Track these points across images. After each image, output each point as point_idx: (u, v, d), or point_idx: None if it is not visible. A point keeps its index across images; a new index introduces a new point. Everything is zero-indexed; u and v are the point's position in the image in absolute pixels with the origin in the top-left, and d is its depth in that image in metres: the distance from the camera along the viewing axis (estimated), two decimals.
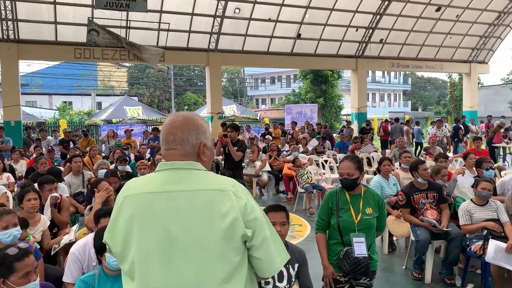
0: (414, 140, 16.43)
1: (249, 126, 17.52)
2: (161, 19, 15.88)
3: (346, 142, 14.29)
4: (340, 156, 12.39)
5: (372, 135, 15.92)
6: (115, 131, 14.44)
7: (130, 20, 15.50)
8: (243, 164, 10.74)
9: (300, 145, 12.61)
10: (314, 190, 8.50)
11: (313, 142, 12.72)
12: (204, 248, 1.53)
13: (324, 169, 10.83)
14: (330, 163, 11.31)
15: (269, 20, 17.32)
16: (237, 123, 21.68)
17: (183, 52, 16.93)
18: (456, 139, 15.75)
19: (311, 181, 8.81)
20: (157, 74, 46.45)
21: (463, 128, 16.39)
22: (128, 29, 15.71)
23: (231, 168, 6.92)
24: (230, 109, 23.34)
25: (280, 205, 3.14)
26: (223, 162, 7.62)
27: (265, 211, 3.05)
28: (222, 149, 7.00)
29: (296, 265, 3.11)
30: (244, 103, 49.73)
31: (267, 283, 2.97)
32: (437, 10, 19.29)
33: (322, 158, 11.56)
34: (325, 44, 19.03)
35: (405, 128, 15.80)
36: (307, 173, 8.96)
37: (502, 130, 14.98)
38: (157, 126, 14.94)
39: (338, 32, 18.83)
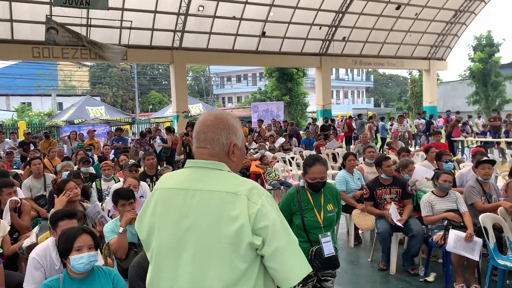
0: (378, 135, 16.86)
1: None
2: (123, 17, 15.55)
3: (312, 138, 14.48)
4: (306, 152, 12.55)
5: (335, 132, 16.19)
6: (78, 132, 14.04)
7: (90, 18, 15.10)
8: None
9: (267, 143, 12.69)
10: (282, 186, 8.57)
11: (280, 140, 12.81)
12: (209, 251, 1.53)
13: (291, 166, 10.93)
14: (296, 159, 11.42)
15: (234, 18, 17.30)
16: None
17: (146, 50, 16.66)
18: (428, 133, 16.26)
19: (278, 178, 8.88)
20: (120, 73, 45.50)
21: (435, 123, 17.00)
22: (88, 27, 15.30)
23: None
24: (196, 108, 23.16)
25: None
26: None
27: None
28: (183, 148, 6.96)
29: None
30: (210, 102, 49.47)
31: None
32: (397, 8, 19.83)
33: (289, 155, 11.66)
34: (290, 42, 19.20)
35: (368, 124, 16.18)
36: (274, 170, 9.02)
37: (460, 124, 15.59)
38: (121, 126, 14.64)
39: (302, 30, 19.03)
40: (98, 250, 3.39)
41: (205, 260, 1.53)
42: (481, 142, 14.28)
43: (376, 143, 15.70)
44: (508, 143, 13.17)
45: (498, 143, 13.59)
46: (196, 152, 1.69)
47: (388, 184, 5.15)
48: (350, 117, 18.51)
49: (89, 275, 2.75)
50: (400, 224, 4.79)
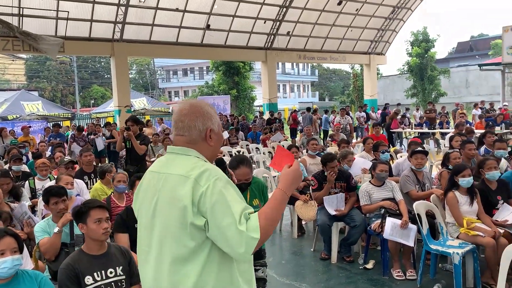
0: (322, 128, 17.24)
1: (161, 119, 17.06)
2: (58, 7, 14.75)
3: (259, 132, 14.55)
4: (253, 146, 12.59)
5: (281, 125, 16.36)
6: (11, 128, 13.21)
7: (23, 8, 14.19)
8: (153, 159, 10.53)
9: None
10: None
11: (224, 134, 12.73)
12: (165, 229, 1.70)
13: None
14: (243, 153, 11.42)
15: (177, 10, 16.94)
16: (148, 116, 21.09)
17: (85, 42, 15.94)
18: (383, 125, 16.77)
19: None
20: (59, 67, 43.38)
21: (375, 115, 17.54)
22: (21, 17, 14.37)
23: (136, 163, 6.68)
24: (140, 102, 22.54)
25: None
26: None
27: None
28: (123, 143, 6.72)
29: None
30: (155, 96, 48.37)
31: None
32: (339, 3, 20.31)
33: (235, 148, 11.63)
34: (235, 35, 19.12)
35: (313, 117, 16.52)
36: None
37: (398, 116, 16.27)
38: (59, 122, 13.93)
39: (247, 23, 19.01)
40: (26, 253, 3.19)
41: (163, 237, 1.70)
42: (418, 133, 14.98)
43: (319, 136, 16.08)
44: (442, 134, 13.92)
45: (434, 134, 14.34)
46: (174, 140, 1.83)
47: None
48: (295, 110, 18.79)
49: (13, 280, 2.58)
50: (336, 213, 4.93)
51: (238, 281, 1.71)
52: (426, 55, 30.61)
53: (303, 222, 6.35)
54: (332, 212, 5.01)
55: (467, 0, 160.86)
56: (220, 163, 5.13)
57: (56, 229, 3.46)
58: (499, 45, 25.18)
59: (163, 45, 17.64)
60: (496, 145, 6.07)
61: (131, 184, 4.09)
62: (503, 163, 5.75)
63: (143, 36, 17.09)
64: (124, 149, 7.00)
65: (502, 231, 4.31)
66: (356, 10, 21.24)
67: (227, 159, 9.94)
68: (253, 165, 10.70)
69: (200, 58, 21.48)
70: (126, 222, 3.83)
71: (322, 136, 16.83)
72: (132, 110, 17.99)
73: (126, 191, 4.69)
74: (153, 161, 10.22)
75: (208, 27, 18.08)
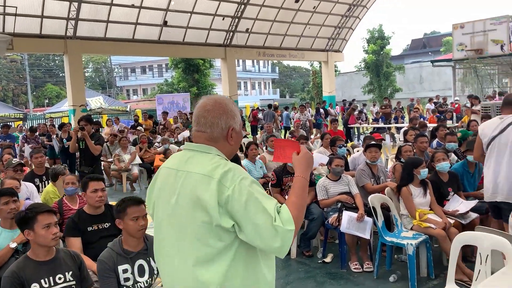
0: (283, 124, 17.39)
1: (117, 118, 16.64)
2: (5, 2, 14.04)
3: None
4: None
5: (242, 122, 16.36)
6: None
7: None
8: (110, 160, 10.25)
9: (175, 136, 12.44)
10: None
11: (185, 133, 12.59)
12: (186, 227, 1.66)
13: None
14: None
15: (133, 6, 16.53)
16: (106, 115, 20.51)
17: (36, 39, 15.27)
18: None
19: None
20: (9, 65, 41.41)
21: (333, 111, 17.84)
22: None
23: (90, 163, 6.47)
24: (97, 101, 21.93)
25: (139, 198, 3.03)
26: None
27: (125, 206, 2.92)
28: (77, 144, 6.49)
29: None
30: (113, 95, 47.20)
31: (126, 279, 2.84)
32: (296, 1, 20.46)
33: None
34: (193, 32, 18.90)
35: (275, 114, 16.62)
36: None
37: (356, 112, 16.65)
38: (8, 123, 13.29)
39: (205, 20, 18.83)
40: None
41: (183, 235, 1.67)
42: (374, 128, 15.37)
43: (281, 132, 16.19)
44: (397, 128, 14.34)
45: (389, 128, 14.76)
46: (194, 136, 1.79)
47: (293, 173, 5.26)
48: (256, 108, 18.82)
49: None
50: None
51: (265, 276, 1.71)
52: (382, 52, 31.47)
53: None
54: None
55: None
56: (235, 160, 5.06)
57: (12, 245, 3.35)
58: (450, 42, 26.23)
59: (119, 42, 17.18)
60: (447, 138, 6.30)
61: (84, 186, 3.94)
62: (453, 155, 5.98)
63: (98, 33, 16.58)
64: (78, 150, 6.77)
65: (452, 221, 4.49)
66: (313, 8, 21.48)
67: None
68: None
69: (158, 55, 21.05)
70: (78, 225, 3.69)
71: (284, 132, 16.98)
72: (88, 109, 17.45)
73: (79, 193, 4.53)
74: (110, 161, 10.09)
75: (165, 23, 17.77)
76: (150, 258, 2.97)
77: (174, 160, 1.83)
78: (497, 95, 17.83)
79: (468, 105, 14.02)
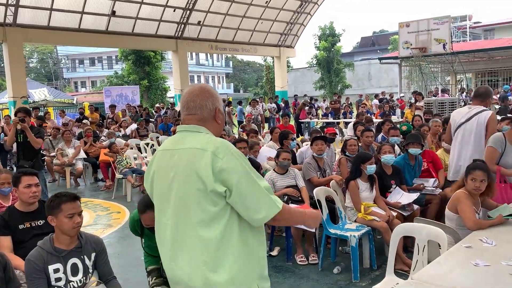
0: (237, 119, 17.32)
1: (62, 111, 15.85)
2: None
3: (170, 123, 14.18)
4: (163, 138, 12.19)
5: None
6: None
7: None
8: (52, 154, 9.78)
9: (121, 129, 12.04)
10: (134, 174, 8.17)
11: (132, 126, 12.23)
12: (186, 197, 1.86)
13: (146, 152, 10.51)
14: (152, 146, 11.04)
15: None
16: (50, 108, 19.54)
17: None
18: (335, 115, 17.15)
19: (130, 166, 8.43)
20: None
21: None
22: None
23: (30, 157, 6.11)
24: (41, 93, 20.92)
25: (74, 194, 2.86)
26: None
27: (59, 203, 2.75)
28: (15, 137, 6.11)
29: (93, 255, 2.89)
30: (60, 87, 45.22)
31: (58, 279, 2.68)
32: None
33: (144, 141, 11.21)
34: (143, 23, 18.37)
35: (228, 108, 16.51)
36: (125, 158, 8.54)
37: (306, 107, 16.88)
38: None
39: (156, 11, 18.36)
40: None
41: (183, 205, 1.86)
42: (324, 123, 15.65)
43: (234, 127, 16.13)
44: (346, 123, 14.67)
45: (338, 123, 15.08)
46: (186, 118, 1.97)
47: None
48: None
49: None
50: None
51: (254, 243, 1.91)
52: (333, 49, 32.09)
53: None
54: None
55: None
56: (256, 168, 5.20)
57: None
58: (397, 40, 27.17)
59: (64, 31, 16.40)
60: (390, 132, 6.50)
61: (16, 181, 3.68)
62: (397, 149, 6.17)
63: (41, 21, 15.73)
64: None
65: (395, 213, 4.62)
66: (265, 3, 21.50)
67: (133, 152, 9.56)
68: None
69: (105, 46, 20.35)
70: (8, 223, 3.44)
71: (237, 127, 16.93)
72: (30, 101, 16.57)
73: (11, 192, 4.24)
74: (53, 156, 9.61)
75: (113, 13, 17.14)
76: (85, 256, 2.83)
77: (169, 142, 2.02)
78: (439, 92, 18.68)
79: (412, 101, 14.58)
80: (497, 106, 15.49)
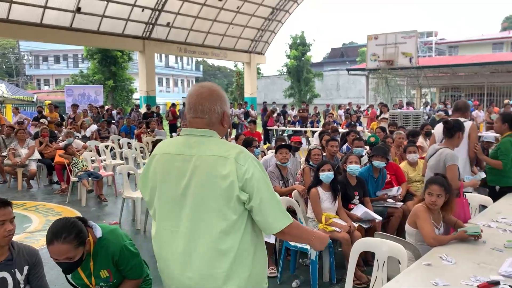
0: None
1: (16, 108, 15.03)
2: None
3: (133, 126, 13.77)
4: (124, 141, 11.79)
5: (159, 119, 15.73)
6: None
7: None
8: (4, 154, 9.23)
9: (82, 130, 11.56)
10: (90, 178, 7.78)
11: (92, 127, 11.77)
12: (206, 205, 1.81)
13: (105, 154, 10.10)
14: (112, 148, 10.63)
15: None
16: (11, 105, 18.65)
17: None
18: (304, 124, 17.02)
19: (86, 169, 8.03)
20: None
21: (254, 113, 17.86)
22: None
23: None
24: None
25: (5, 199, 2.56)
26: None
27: None
28: None
29: (26, 268, 2.60)
30: (21, 83, 43.56)
31: None
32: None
33: (105, 143, 10.80)
34: (110, 21, 17.84)
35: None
36: (82, 160, 8.13)
37: (274, 115, 16.82)
38: None
39: (124, 10, 17.88)
40: None
41: (203, 212, 1.81)
42: (292, 131, 15.62)
43: None
44: (313, 132, 14.68)
45: (305, 132, 15.08)
46: (192, 121, 1.91)
47: None
48: (173, 104, 18.23)
49: None
50: None
51: (261, 254, 1.94)
52: (303, 58, 32.36)
53: None
54: None
55: (342, 9, 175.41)
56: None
57: None
58: (365, 52, 27.64)
59: (25, 25, 15.67)
60: (354, 143, 6.44)
61: None
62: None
63: (0, 14, 15.00)
64: None
65: (356, 225, 4.52)
66: (237, 8, 21.39)
67: (90, 154, 9.15)
68: (122, 161, 10.01)
69: (69, 44, 19.51)
70: None
71: None
72: None
73: None
74: (4, 156, 9.07)
75: (78, 10, 16.56)
76: (16, 269, 2.53)
77: (173, 146, 1.93)
78: (404, 105, 19.05)
79: (378, 112, 14.77)
80: None
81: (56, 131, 11.16)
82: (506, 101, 17.87)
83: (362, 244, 3.19)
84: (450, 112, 17.03)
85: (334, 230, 4.32)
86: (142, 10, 18.33)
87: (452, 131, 4.31)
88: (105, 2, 16.96)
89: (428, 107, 19.77)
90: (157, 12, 18.81)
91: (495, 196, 4.65)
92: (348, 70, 28.03)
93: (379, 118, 14.08)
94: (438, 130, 5.03)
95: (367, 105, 21.33)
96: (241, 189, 1.78)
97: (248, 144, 6.27)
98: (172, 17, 19.65)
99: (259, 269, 1.92)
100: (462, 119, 4.80)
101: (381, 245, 3.05)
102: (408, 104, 19.23)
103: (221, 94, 1.96)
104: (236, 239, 1.81)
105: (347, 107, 20.52)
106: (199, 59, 53.52)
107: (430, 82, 22.94)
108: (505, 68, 22.70)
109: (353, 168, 4.85)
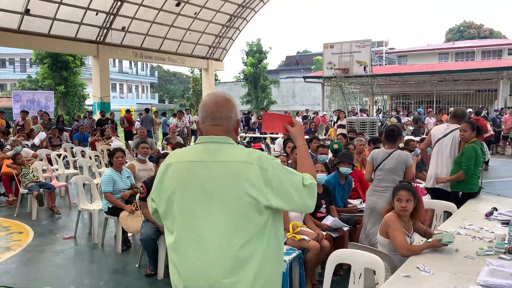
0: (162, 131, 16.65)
1: None
2: None
3: (87, 133, 13.21)
4: (78, 149, 11.28)
5: (114, 126, 15.21)
6: None
7: None
8: None
9: (30, 138, 10.91)
10: (41, 189, 7.31)
11: (41, 134, 11.16)
12: (233, 210, 1.78)
13: (57, 164, 9.58)
14: (65, 157, 10.11)
15: None
16: None
17: None
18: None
19: (37, 179, 7.55)
20: None
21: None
22: None
23: None
24: None
25: None
26: None
27: None
28: None
29: None
30: None
31: None
32: (177, 5, 19.95)
33: (57, 151, 10.25)
34: (61, 25, 17.10)
35: (154, 118, 15.85)
36: (32, 171, 7.65)
37: None
38: None
39: (76, 13, 17.20)
40: None
41: (230, 218, 1.78)
42: (251, 137, 15.56)
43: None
44: (272, 139, 14.69)
45: (265, 138, 15.06)
46: (209, 129, 1.91)
47: None
48: (128, 110, 17.68)
49: None
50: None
51: (282, 250, 1.97)
52: (259, 66, 32.52)
53: (129, 235, 5.73)
54: None
55: (295, 17, 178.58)
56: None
57: None
58: (320, 61, 28.18)
59: None
60: (319, 150, 6.43)
61: None
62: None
63: None
64: None
65: (324, 233, 4.47)
66: (194, 14, 21.17)
67: (42, 163, 8.62)
68: (76, 171, 9.52)
69: (16, 47, 18.52)
70: None
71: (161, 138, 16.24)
72: None
73: None
74: None
75: (27, 11, 15.75)
76: None
77: (191, 153, 1.91)
78: (358, 111, 19.51)
79: (335, 119, 15.00)
80: (411, 128, 16.49)
81: (1, 139, 10.48)
82: (451, 109, 18.70)
83: (338, 255, 3.13)
84: (401, 119, 17.71)
85: (302, 239, 4.25)
86: (96, 14, 17.70)
87: (396, 137, 4.76)
88: (56, 4, 16.23)
89: (381, 114, 20.37)
90: (111, 16, 18.24)
91: (458, 202, 4.77)
92: (304, 77, 28.46)
93: (335, 125, 14.31)
94: (434, 132, 5.63)
95: (323, 112, 21.69)
96: (269, 191, 1.79)
97: None
98: (127, 21, 19.12)
99: (278, 276, 1.95)
100: (456, 126, 5.36)
101: (358, 257, 3.00)
102: (362, 110, 19.72)
103: (234, 102, 1.99)
104: (262, 244, 1.81)
105: (304, 114, 20.74)
106: (154, 64, 52.54)
107: (383, 89, 23.68)
108: (451, 77, 23.85)
109: (320, 177, 4.80)
